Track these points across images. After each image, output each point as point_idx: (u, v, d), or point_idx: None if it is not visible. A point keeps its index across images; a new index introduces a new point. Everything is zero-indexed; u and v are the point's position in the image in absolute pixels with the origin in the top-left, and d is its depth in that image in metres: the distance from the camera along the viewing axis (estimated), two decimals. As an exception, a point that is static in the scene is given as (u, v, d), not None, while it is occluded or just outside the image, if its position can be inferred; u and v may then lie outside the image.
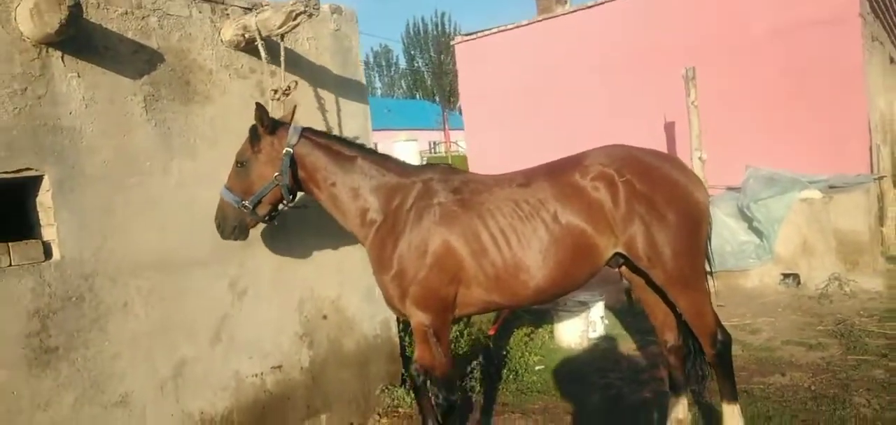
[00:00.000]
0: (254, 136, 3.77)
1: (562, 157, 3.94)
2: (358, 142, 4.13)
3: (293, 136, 3.80)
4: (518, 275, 3.62)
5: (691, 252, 3.68)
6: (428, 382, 3.87)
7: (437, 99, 45.56)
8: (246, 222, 3.86)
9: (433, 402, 3.88)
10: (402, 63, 49.21)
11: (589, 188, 3.64)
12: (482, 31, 13.45)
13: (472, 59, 13.61)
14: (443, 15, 46.11)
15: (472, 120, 13.84)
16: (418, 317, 3.71)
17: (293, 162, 3.80)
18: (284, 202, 3.88)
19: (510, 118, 12.78)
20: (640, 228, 3.59)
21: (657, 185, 3.63)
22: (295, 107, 4.12)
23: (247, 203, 3.78)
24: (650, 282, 3.88)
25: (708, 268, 3.99)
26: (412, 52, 48.53)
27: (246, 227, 3.89)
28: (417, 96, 50.23)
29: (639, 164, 3.70)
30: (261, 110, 3.73)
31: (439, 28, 46.33)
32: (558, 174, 3.74)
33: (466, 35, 13.88)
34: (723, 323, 3.97)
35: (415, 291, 3.66)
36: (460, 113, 43.58)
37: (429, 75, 47.64)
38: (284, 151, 3.76)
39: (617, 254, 3.73)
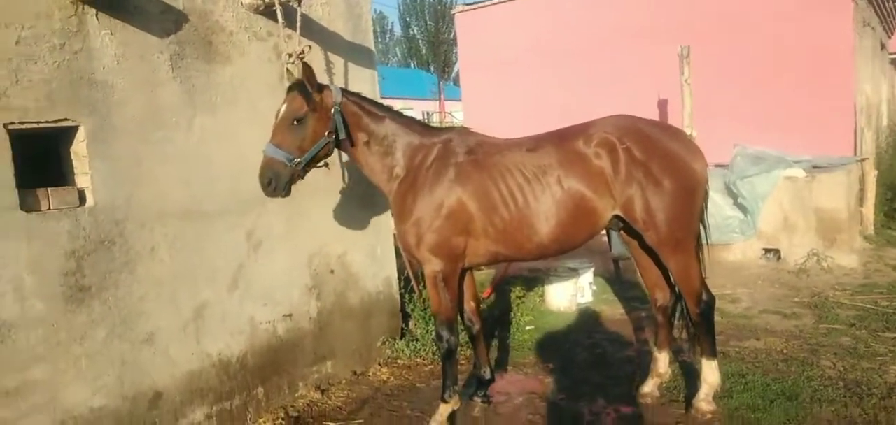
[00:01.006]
0: (306, 94, 3.90)
1: (570, 125, 4.24)
2: (385, 104, 4.38)
3: (338, 95, 4.04)
4: (523, 231, 3.96)
5: (684, 217, 3.98)
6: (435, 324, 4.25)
7: (433, 68, 45.46)
8: (294, 179, 3.99)
9: (436, 343, 4.24)
10: (397, 30, 49.00)
11: (591, 155, 3.95)
12: (483, 1, 13.61)
13: (473, 30, 13.79)
14: (440, -17, 45.69)
15: (471, 90, 14.05)
16: (431, 264, 4.05)
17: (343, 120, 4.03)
18: (327, 159, 4.13)
19: (508, 89, 13.03)
20: (638, 193, 3.90)
21: (655, 154, 3.93)
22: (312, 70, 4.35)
23: (300, 160, 3.93)
24: (644, 245, 4.21)
25: (703, 235, 4.31)
26: (408, 20, 48.24)
27: (292, 184, 4.02)
28: (412, 65, 50.05)
29: (639, 134, 4.00)
30: (308, 69, 3.90)
31: (436, -3, 46.06)
32: (564, 141, 4.06)
33: (467, 5, 14.04)
34: (706, 287, 4.30)
35: (429, 239, 4.00)
36: (455, 83, 43.40)
37: (424, 44, 47.44)
38: (333, 110, 3.98)
39: (615, 216, 4.04)
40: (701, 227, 4.27)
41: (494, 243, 4.04)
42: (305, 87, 3.89)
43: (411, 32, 48.13)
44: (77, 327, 3.63)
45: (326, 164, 4.31)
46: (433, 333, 5.34)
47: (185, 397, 4.18)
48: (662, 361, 4.55)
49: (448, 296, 4.09)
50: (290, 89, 3.99)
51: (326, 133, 3.98)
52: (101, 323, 3.74)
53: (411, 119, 4.37)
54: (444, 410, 4.29)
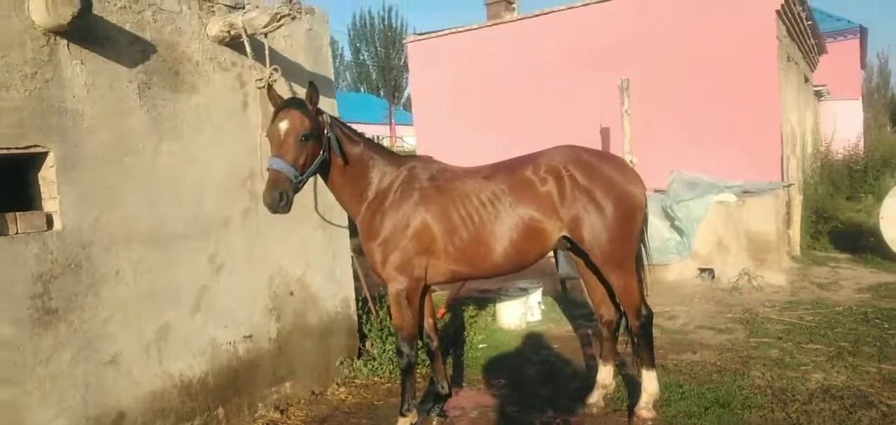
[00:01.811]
0: (310, 114, 3.98)
1: (522, 155, 4.57)
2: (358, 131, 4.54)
3: (327, 116, 4.18)
4: (479, 250, 4.25)
5: (624, 238, 4.33)
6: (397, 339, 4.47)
7: (383, 93, 45.72)
8: (295, 195, 3.94)
9: (397, 358, 4.47)
10: (347, 55, 48.99)
11: (538, 182, 4.28)
12: (434, 31, 13.99)
13: (424, 59, 14.13)
14: (390, 9, 46.12)
15: (423, 117, 14.34)
16: (396, 282, 4.28)
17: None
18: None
19: (459, 117, 13.38)
20: (582, 215, 4.25)
21: (596, 180, 4.29)
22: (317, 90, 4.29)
23: (302, 177, 3.94)
24: (590, 264, 4.54)
25: (645, 255, 4.67)
26: (358, 45, 48.38)
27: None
28: (362, 89, 50.18)
29: (582, 162, 4.36)
30: (314, 88, 4.00)
31: (386, 22, 46.41)
32: (516, 169, 4.39)
33: (419, 35, 14.38)
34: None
35: (394, 258, 4.24)
36: (405, 108, 43.45)
37: (374, 69, 47.68)
38: (326, 130, 4.11)
39: (563, 237, 4.37)
40: (642, 248, 4.64)
41: (454, 262, 4.31)
42: (306, 105, 3.99)
43: (361, 57, 48.30)
44: (43, 349, 3.70)
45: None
46: (393, 349, 5.57)
47: (147, 418, 4.25)
48: (607, 373, 4.88)
49: (410, 313, 4.32)
50: (284, 107, 4.00)
51: (322, 152, 4.10)
52: (67, 345, 3.81)
53: (380, 145, 4.65)
54: (402, 424, 4.49)
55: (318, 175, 4.29)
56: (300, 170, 3.91)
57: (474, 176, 4.42)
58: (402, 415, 4.49)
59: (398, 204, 4.28)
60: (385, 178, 4.36)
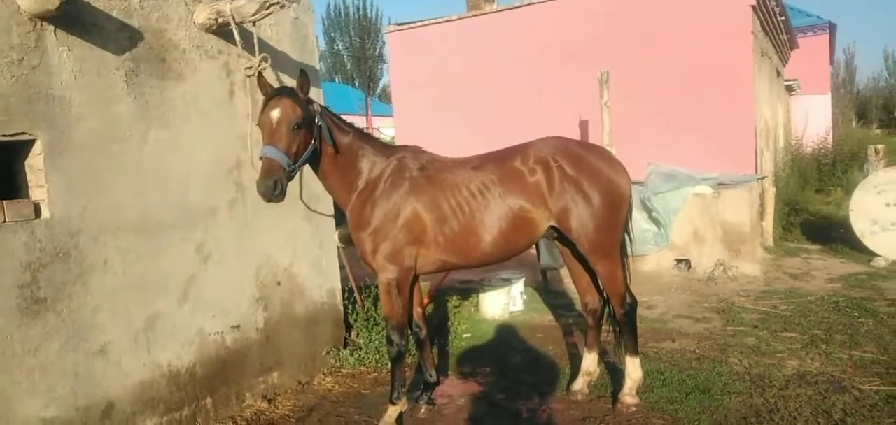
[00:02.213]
0: (301, 102, 3.96)
1: (510, 146, 4.63)
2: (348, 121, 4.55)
3: (317, 106, 4.18)
4: (469, 240, 4.30)
5: (610, 227, 4.42)
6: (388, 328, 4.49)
7: (358, 84, 45.44)
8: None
9: (387, 347, 4.51)
10: (322, 45, 48.48)
11: (527, 172, 4.35)
12: (414, 22, 13.97)
13: (404, 49, 14.11)
14: (365, -1, 45.76)
15: (402, 108, 14.33)
16: (386, 271, 4.31)
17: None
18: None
19: (439, 108, 13.40)
20: (570, 205, 4.32)
21: (584, 171, 4.37)
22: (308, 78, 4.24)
23: (294, 166, 3.93)
24: (576, 253, 4.62)
25: (629, 244, 4.77)
26: (332, 35, 47.93)
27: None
28: (336, 79, 49.81)
29: (570, 153, 4.43)
30: (305, 76, 3.98)
31: (361, 12, 46.05)
32: (505, 160, 4.45)
33: (399, 25, 14.34)
34: (627, 292, 4.75)
35: (385, 247, 4.27)
36: (380, 99, 42.97)
37: (349, 59, 47.31)
38: (317, 119, 4.09)
39: (551, 226, 4.44)
40: (626, 237, 4.73)
41: (444, 252, 4.35)
42: (297, 94, 3.97)
43: (335, 48, 47.87)
44: (32, 339, 3.66)
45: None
46: (379, 339, 5.62)
47: (136, 407, 4.24)
48: (591, 360, 4.97)
49: (400, 303, 4.36)
50: (276, 95, 3.97)
51: (312, 141, 4.07)
52: (56, 334, 3.78)
53: (369, 135, 4.65)
54: (392, 412, 4.53)
55: (306, 164, 4.28)
56: (293, 158, 3.90)
57: (464, 166, 4.47)
58: (393, 403, 4.53)
59: (388, 193, 4.30)
60: (375, 168, 4.38)
